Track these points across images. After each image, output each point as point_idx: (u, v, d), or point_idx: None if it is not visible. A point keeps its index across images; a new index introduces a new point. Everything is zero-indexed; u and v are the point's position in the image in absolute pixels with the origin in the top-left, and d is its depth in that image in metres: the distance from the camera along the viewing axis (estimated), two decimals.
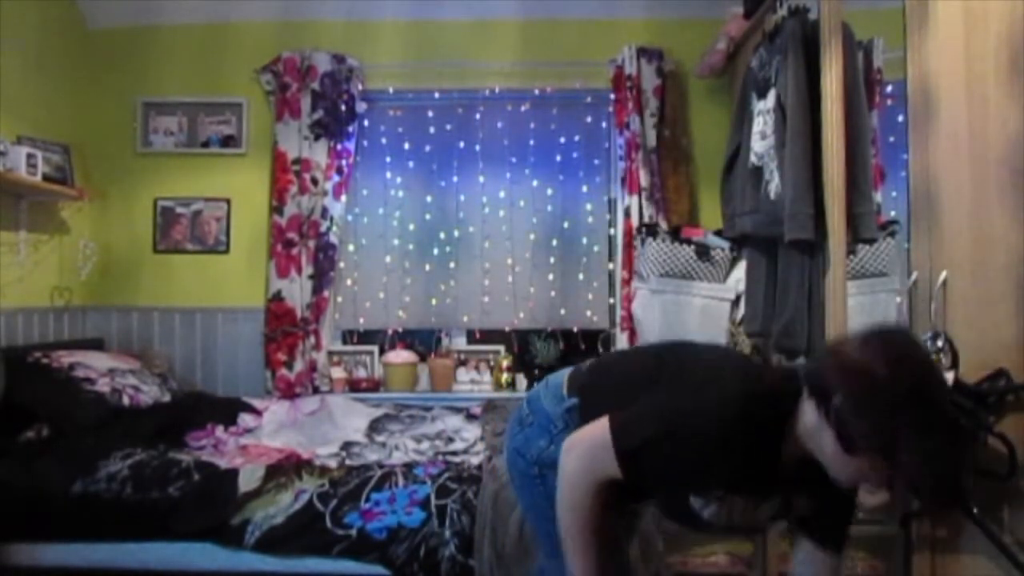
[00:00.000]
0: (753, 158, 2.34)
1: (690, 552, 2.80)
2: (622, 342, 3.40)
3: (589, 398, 1.42)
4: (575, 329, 3.66)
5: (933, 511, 1.29)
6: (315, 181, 3.46)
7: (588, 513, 1.28)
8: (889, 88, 2.80)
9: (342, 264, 3.64)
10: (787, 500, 1.33)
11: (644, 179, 3.38)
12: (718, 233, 2.86)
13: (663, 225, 3.27)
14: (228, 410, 3.07)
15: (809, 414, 1.17)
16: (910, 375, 1.08)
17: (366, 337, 3.71)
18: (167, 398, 3.11)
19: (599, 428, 1.26)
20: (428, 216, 3.67)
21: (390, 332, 3.68)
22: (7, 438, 2.54)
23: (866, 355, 1.10)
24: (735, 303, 2.84)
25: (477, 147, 3.66)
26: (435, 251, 3.66)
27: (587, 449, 1.27)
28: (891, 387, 1.06)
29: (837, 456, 1.14)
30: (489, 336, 3.69)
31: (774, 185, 2.20)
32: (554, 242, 3.65)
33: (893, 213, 2.75)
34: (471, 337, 3.71)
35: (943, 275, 1.45)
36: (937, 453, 1.06)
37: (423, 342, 3.72)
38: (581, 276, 3.64)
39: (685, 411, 1.23)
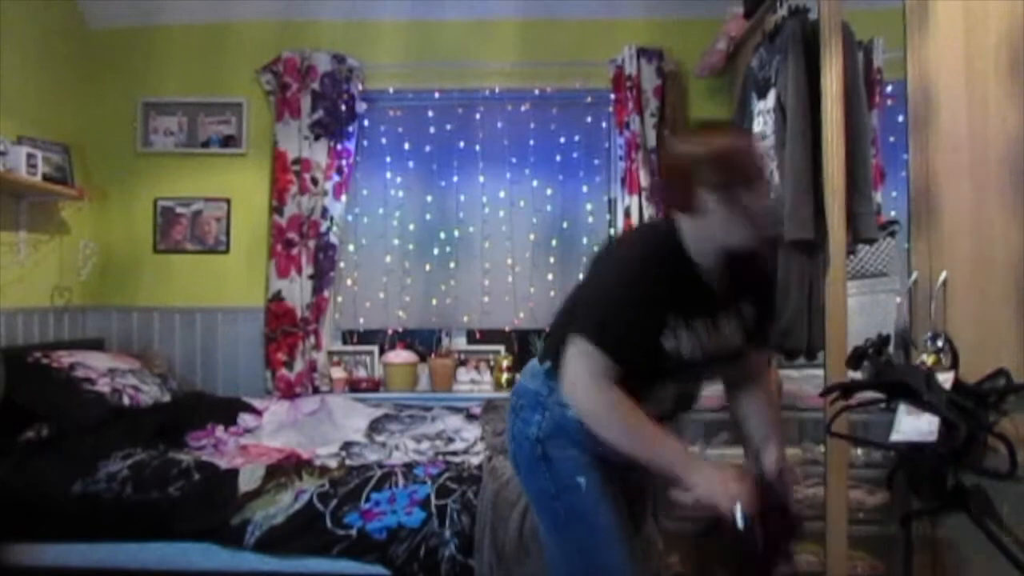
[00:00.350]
0: None
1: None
2: None
3: (555, 351, 1.51)
4: None
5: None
6: (315, 181, 3.46)
7: (621, 406, 1.38)
8: (889, 88, 2.80)
9: (342, 264, 3.64)
10: (739, 311, 1.51)
11: (644, 179, 3.38)
12: None
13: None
14: (228, 410, 3.08)
15: (680, 221, 1.44)
16: (676, 146, 1.46)
17: (366, 337, 3.71)
18: (167, 398, 3.11)
19: (572, 352, 1.41)
20: (428, 216, 3.67)
21: (390, 332, 3.68)
22: (7, 438, 2.53)
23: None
24: None
25: (477, 147, 3.66)
26: (435, 251, 3.66)
27: (579, 370, 1.40)
28: (672, 162, 1.45)
29: (701, 227, 1.41)
30: (489, 336, 3.69)
31: (774, 185, 2.19)
32: (554, 242, 3.65)
33: (893, 213, 2.75)
34: (471, 337, 3.71)
35: (943, 275, 1.45)
36: (723, 156, 1.37)
37: (423, 342, 3.72)
38: (581, 276, 3.63)
39: (607, 271, 1.47)
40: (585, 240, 3.65)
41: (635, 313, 1.40)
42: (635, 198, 3.38)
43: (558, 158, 3.66)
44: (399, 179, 3.68)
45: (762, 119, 2.31)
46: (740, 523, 1.30)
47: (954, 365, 1.39)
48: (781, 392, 2.71)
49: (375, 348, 3.66)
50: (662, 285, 1.41)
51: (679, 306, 1.42)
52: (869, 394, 1.53)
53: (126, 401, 2.86)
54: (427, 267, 3.66)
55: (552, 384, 1.52)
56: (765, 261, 1.60)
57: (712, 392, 2.77)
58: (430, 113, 3.66)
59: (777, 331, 2.27)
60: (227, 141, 3.60)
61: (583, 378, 1.39)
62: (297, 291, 3.44)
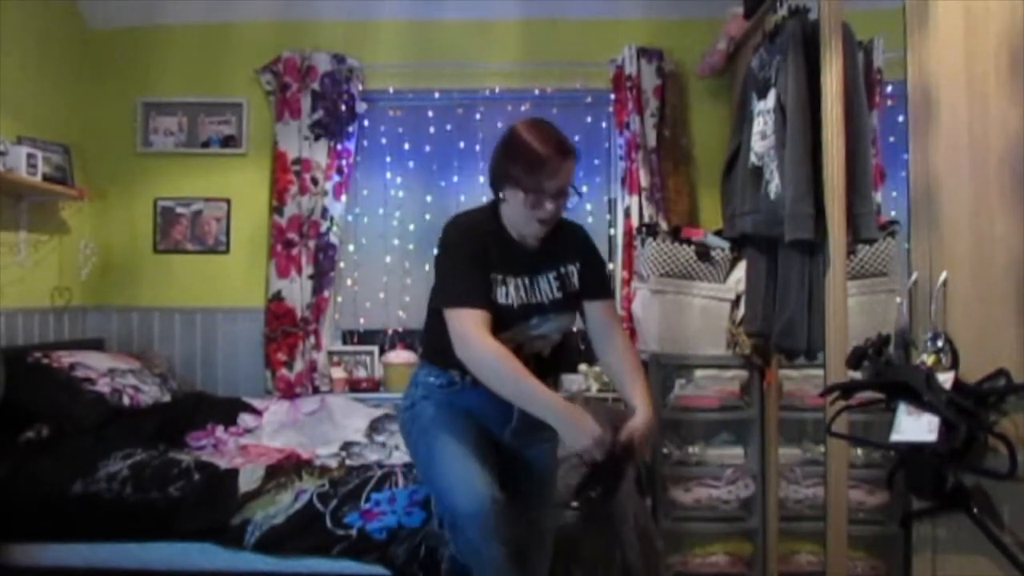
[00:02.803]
0: (753, 158, 2.34)
1: (690, 552, 2.80)
2: None
3: (426, 341, 1.95)
4: (574, 329, 3.65)
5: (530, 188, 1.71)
6: (315, 181, 3.46)
7: (507, 360, 1.63)
8: (889, 88, 2.81)
9: (342, 264, 3.64)
10: (558, 272, 1.83)
11: (644, 179, 3.38)
12: (718, 233, 2.86)
13: (663, 225, 3.27)
14: (228, 410, 3.07)
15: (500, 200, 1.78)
16: (508, 131, 1.78)
17: (366, 337, 3.71)
18: (167, 398, 3.11)
19: (450, 322, 1.67)
20: (428, 216, 3.67)
21: (390, 332, 3.68)
22: (7, 438, 2.54)
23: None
24: (735, 303, 2.84)
25: (477, 147, 3.66)
26: (435, 251, 3.65)
27: (461, 330, 1.65)
28: (499, 143, 1.78)
29: (506, 209, 1.78)
30: None
31: (774, 185, 2.19)
32: None
33: (893, 213, 2.76)
34: None
35: (943, 275, 1.44)
36: (526, 160, 1.68)
37: (423, 342, 3.72)
38: None
39: (440, 252, 1.81)
40: None
41: (468, 271, 1.71)
42: (635, 198, 3.38)
43: None
44: (399, 179, 3.68)
45: (762, 119, 2.30)
46: (596, 457, 1.61)
47: (954, 365, 1.39)
48: (782, 393, 2.71)
49: (375, 348, 3.66)
50: (479, 249, 1.73)
51: (498, 266, 1.74)
52: (869, 394, 1.53)
53: (126, 401, 2.86)
54: (427, 267, 3.66)
55: (423, 361, 1.92)
56: (580, 229, 1.92)
57: (712, 392, 2.79)
58: (430, 113, 3.66)
59: (777, 331, 2.28)
60: (227, 141, 3.60)
61: (468, 334, 1.64)
62: (297, 291, 3.44)
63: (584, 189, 3.64)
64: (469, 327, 1.64)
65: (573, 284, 1.86)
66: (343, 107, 3.47)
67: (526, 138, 1.71)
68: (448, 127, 3.67)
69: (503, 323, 1.73)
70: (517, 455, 1.87)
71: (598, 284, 1.91)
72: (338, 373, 3.56)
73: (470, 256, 1.72)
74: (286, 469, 2.41)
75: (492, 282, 1.73)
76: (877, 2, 2.25)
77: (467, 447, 1.73)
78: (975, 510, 1.34)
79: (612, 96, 3.50)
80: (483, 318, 1.66)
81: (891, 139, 2.81)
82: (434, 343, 1.84)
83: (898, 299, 2.03)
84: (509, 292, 1.75)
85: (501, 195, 1.76)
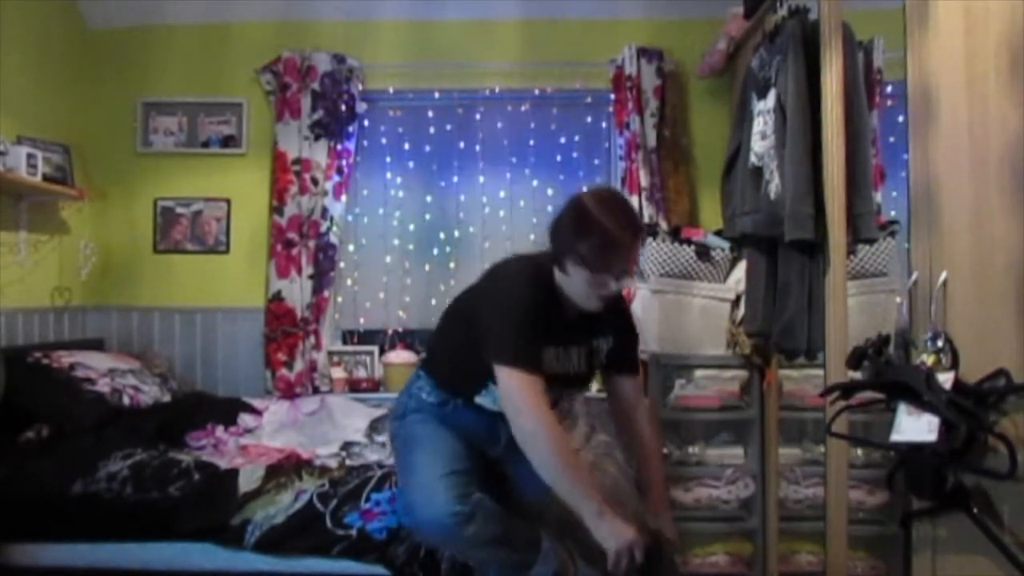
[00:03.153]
0: (753, 158, 2.34)
1: (690, 552, 2.80)
2: None
3: (429, 355, 1.99)
4: None
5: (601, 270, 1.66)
6: (315, 181, 3.46)
7: (562, 443, 1.61)
8: (889, 88, 2.81)
9: (342, 264, 3.64)
10: (589, 346, 1.81)
11: (644, 179, 3.38)
12: (718, 233, 2.86)
13: (663, 225, 3.27)
14: (228, 410, 3.07)
15: (557, 265, 1.70)
16: (576, 203, 1.69)
17: (366, 337, 3.71)
18: (167, 398, 3.11)
19: (505, 380, 1.63)
20: (428, 216, 3.68)
21: (390, 332, 3.68)
22: (7, 438, 2.54)
23: (561, 207, 1.73)
24: (735, 303, 2.84)
25: (477, 147, 3.67)
26: (435, 251, 3.66)
27: (520, 394, 1.61)
28: (565, 214, 1.69)
29: (565, 280, 1.69)
30: None
31: (774, 185, 2.19)
32: None
33: (893, 213, 2.76)
34: None
35: (943, 275, 1.44)
36: (598, 242, 1.60)
37: (423, 342, 3.72)
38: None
39: (500, 299, 1.71)
40: None
41: (529, 334, 1.66)
42: (635, 198, 3.38)
43: (558, 158, 3.66)
44: (399, 179, 3.68)
45: (762, 119, 2.30)
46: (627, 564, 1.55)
47: (954, 365, 1.39)
48: (782, 393, 2.71)
49: (375, 348, 3.66)
50: (540, 312, 1.68)
51: (545, 332, 1.70)
52: (869, 394, 1.53)
53: (126, 401, 2.86)
54: (427, 267, 3.66)
55: (419, 374, 1.95)
56: (621, 301, 1.87)
57: (711, 392, 2.79)
58: (430, 113, 3.66)
59: (777, 331, 2.28)
60: (227, 141, 3.60)
61: (525, 402, 1.60)
62: (297, 291, 3.44)
63: (584, 189, 3.65)
64: (527, 394, 1.61)
65: (600, 360, 1.84)
66: (343, 107, 3.47)
67: (599, 217, 1.63)
68: (448, 127, 3.67)
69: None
70: (509, 471, 1.90)
71: (627, 359, 1.89)
72: (338, 373, 3.56)
73: (534, 320, 1.67)
74: (286, 469, 2.41)
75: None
76: (877, 2, 2.25)
77: (444, 462, 1.77)
78: (975, 510, 1.34)
79: (612, 96, 3.50)
80: (541, 386, 1.63)
81: (891, 139, 2.81)
82: (448, 370, 1.87)
83: (898, 299, 2.03)
84: (546, 360, 1.72)
85: (563, 268, 1.69)
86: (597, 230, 1.61)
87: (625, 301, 1.89)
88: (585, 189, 1.82)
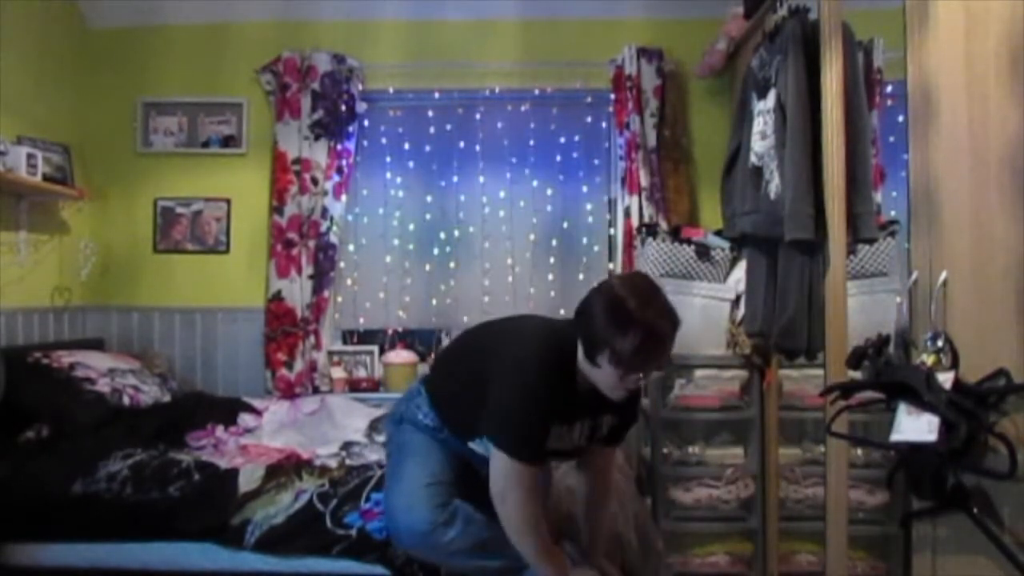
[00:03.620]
0: (753, 158, 2.34)
1: (690, 552, 2.80)
2: None
3: (433, 379, 1.97)
4: None
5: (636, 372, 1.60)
6: (315, 181, 3.46)
7: (537, 528, 1.65)
8: (889, 88, 2.80)
9: (342, 264, 3.64)
10: (593, 422, 1.75)
11: (644, 179, 3.38)
12: (718, 233, 2.86)
13: (663, 225, 3.27)
14: (228, 410, 3.07)
15: (581, 346, 1.62)
16: (611, 294, 1.57)
17: (366, 337, 3.71)
18: (167, 398, 3.11)
19: (499, 464, 1.64)
20: (428, 216, 3.67)
21: (390, 332, 3.68)
22: (7, 438, 2.53)
23: (591, 294, 1.63)
24: (735, 303, 2.84)
25: (477, 147, 3.66)
26: (435, 251, 3.66)
27: (511, 484, 1.63)
28: (598, 305, 1.56)
29: (592, 370, 1.61)
30: None
31: (774, 185, 2.19)
32: (554, 242, 3.65)
33: (893, 213, 2.75)
34: None
35: (943, 275, 1.44)
36: (639, 342, 1.50)
37: (423, 342, 3.72)
38: (581, 276, 3.64)
39: (516, 375, 1.65)
40: (585, 240, 3.65)
41: (537, 426, 1.64)
42: (635, 198, 3.38)
43: (558, 158, 3.66)
44: (399, 179, 3.68)
45: (762, 119, 2.30)
46: None
47: (954, 365, 1.39)
48: (782, 393, 2.71)
49: (375, 348, 3.65)
50: (555, 404, 1.65)
51: (554, 416, 1.67)
52: (869, 394, 1.53)
53: (126, 401, 2.86)
54: (427, 267, 3.66)
55: (423, 387, 1.95)
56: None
57: (711, 392, 2.79)
58: (430, 113, 3.66)
59: (777, 331, 2.28)
60: (227, 141, 3.60)
61: (511, 492, 1.64)
62: (297, 291, 3.44)
63: (584, 189, 3.66)
64: (518, 488, 1.63)
65: (601, 434, 1.81)
66: (343, 107, 3.47)
67: (640, 314, 1.52)
68: (448, 127, 3.67)
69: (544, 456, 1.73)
70: None
71: (622, 433, 1.87)
72: (338, 373, 3.56)
73: (546, 411, 1.65)
74: (286, 469, 2.41)
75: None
76: (877, 2, 2.25)
77: (430, 472, 1.82)
78: (975, 510, 1.34)
79: (612, 96, 3.50)
80: (534, 477, 1.66)
81: (891, 139, 2.81)
82: (448, 408, 1.88)
83: (898, 299, 2.03)
84: (549, 440, 1.69)
85: (592, 360, 1.60)
86: (640, 328, 1.51)
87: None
88: (616, 277, 1.74)
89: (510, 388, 1.66)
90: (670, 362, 2.81)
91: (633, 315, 1.52)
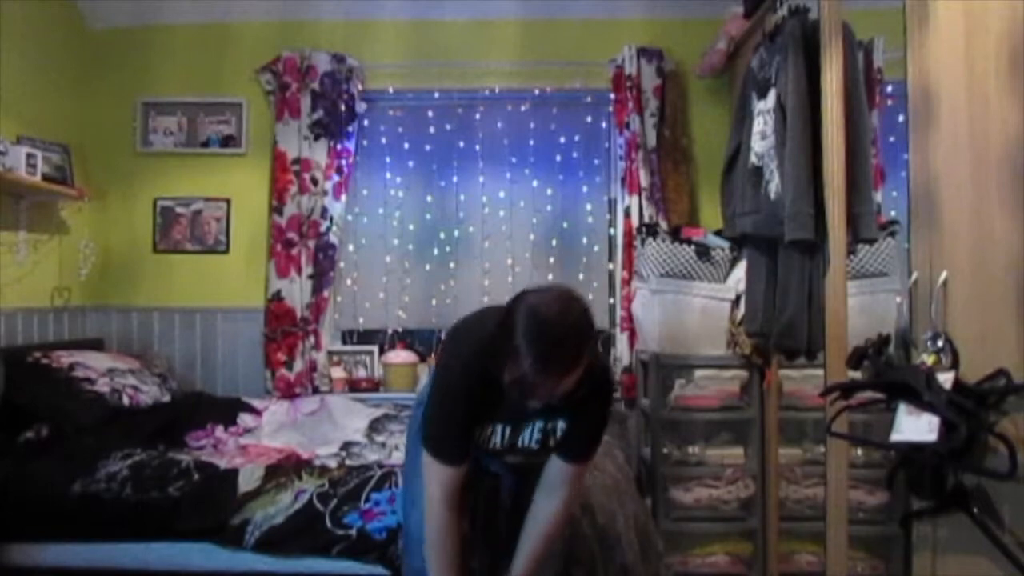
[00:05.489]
0: (753, 158, 2.34)
1: (690, 552, 2.80)
2: (622, 342, 3.40)
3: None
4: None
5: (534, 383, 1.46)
6: (315, 181, 3.46)
7: (446, 539, 1.64)
8: (889, 88, 2.80)
9: (342, 264, 3.64)
10: (546, 426, 1.67)
11: (644, 179, 3.38)
12: (718, 233, 2.86)
13: (663, 225, 3.27)
14: (228, 410, 3.07)
15: None
16: (510, 315, 1.45)
17: (366, 337, 3.71)
18: (167, 398, 3.11)
19: (425, 459, 1.64)
20: (428, 216, 3.67)
21: (390, 332, 3.68)
22: (7, 438, 2.54)
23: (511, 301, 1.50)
24: (735, 303, 2.84)
25: (477, 147, 3.66)
26: (435, 251, 3.66)
27: (431, 479, 1.63)
28: (507, 314, 1.46)
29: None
30: None
31: (774, 185, 2.19)
32: (554, 242, 3.65)
33: (893, 213, 2.75)
34: None
35: (943, 275, 1.44)
36: (516, 377, 1.42)
37: (423, 342, 3.72)
38: (581, 276, 3.64)
39: (440, 376, 1.68)
40: (585, 240, 3.65)
41: (458, 428, 1.62)
42: (635, 198, 3.38)
43: (558, 158, 3.66)
44: (399, 179, 3.68)
45: (762, 119, 2.30)
46: None
47: (954, 365, 1.39)
48: (782, 393, 2.71)
49: (375, 348, 3.65)
50: (473, 396, 1.59)
51: (485, 413, 1.63)
52: (869, 394, 1.53)
53: (126, 401, 2.86)
54: (427, 267, 3.66)
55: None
56: (592, 380, 1.54)
57: (711, 392, 2.79)
58: (430, 113, 3.66)
59: (777, 331, 2.28)
60: (227, 141, 3.60)
61: (432, 493, 1.64)
62: (297, 291, 3.44)
63: (584, 189, 3.65)
64: (435, 484, 1.63)
65: (555, 439, 1.68)
66: (343, 107, 3.47)
67: (525, 352, 1.40)
68: (448, 127, 3.67)
69: (479, 453, 1.71)
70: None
71: (581, 445, 1.69)
72: (338, 373, 3.56)
73: (466, 409, 1.60)
74: (286, 469, 2.41)
75: (476, 427, 1.65)
76: (877, 2, 2.25)
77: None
78: (975, 510, 1.34)
79: (612, 96, 3.50)
80: (452, 478, 1.63)
81: (891, 139, 2.80)
82: None
83: (898, 299, 2.03)
84: (493, 439, 1.67)
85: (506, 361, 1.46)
86: (519, 366, 1.40)
87: (601, 382, 1.64)
88: (532, 293, 1.49)
89: (434, 392, 1.68)
90: (663, 365, 2.81)
91: (519, 348, 1.41)
